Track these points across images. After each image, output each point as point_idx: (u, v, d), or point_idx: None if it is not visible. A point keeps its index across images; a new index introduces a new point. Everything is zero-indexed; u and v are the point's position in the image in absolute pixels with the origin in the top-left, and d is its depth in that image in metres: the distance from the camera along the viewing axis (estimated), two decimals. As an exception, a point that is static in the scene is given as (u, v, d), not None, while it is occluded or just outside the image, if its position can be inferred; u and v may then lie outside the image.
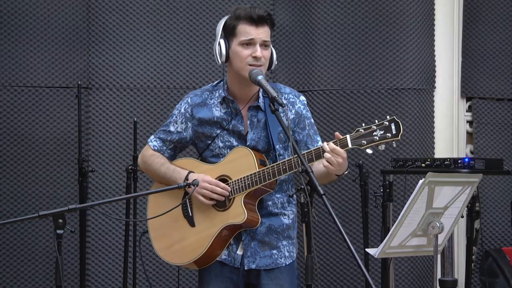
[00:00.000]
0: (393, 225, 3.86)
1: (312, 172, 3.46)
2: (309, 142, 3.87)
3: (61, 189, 5.93)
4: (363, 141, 3.60)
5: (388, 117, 3.63)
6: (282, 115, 3.77)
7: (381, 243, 3.72)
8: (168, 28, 6.06)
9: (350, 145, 3.60)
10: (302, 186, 3.55)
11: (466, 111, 6.44)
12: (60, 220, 3.34)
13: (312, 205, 3.57)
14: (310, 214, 3.62)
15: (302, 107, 3.85)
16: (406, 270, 6.10)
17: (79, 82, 5.68)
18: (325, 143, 3.62)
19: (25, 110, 5.90)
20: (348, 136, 3.62)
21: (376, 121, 3.64)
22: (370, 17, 6.13)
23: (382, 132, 3.60)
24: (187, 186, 3.62)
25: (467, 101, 6.45)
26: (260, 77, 3.65)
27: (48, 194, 5.91)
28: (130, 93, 6.01)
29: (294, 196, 3.88)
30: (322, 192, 3.37)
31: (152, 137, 3.95)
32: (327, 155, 3.58)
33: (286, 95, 3.83)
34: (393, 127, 3.60)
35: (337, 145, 3.60)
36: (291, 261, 3.85)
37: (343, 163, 3.61)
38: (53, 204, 5.90)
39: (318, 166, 3.68)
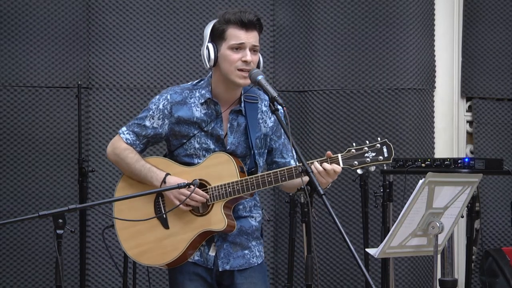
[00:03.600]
0: (393, 225, 3.86)
1: (312, 172, 3.46)
2: (284, 151, 3.89)
3: (61, 189, 5.93)
4: (354, 162, 3.62)
5: (379, 139, 3.64)
6: (261, 121, 3.81)
7: (381, 243, 3.72)
8: (168, 28, 6.06)
9: (341, 165, 3.61)
10: (302, 186, 3.55)
11: (466, 111, 6.45)
12: (60, 220, 3.34)
13: (312, 205, 3.58)
14: (310, 214, 3.63)
15: (281, 115, 3.84)
16: (406, 270, 6.10)
17: (79, 82, 5.68)
18: (316, 163, 3.61)
19: (25, 110, 5.90)
20: (339, 156, 3.62)
21: (367, 142, 3.65)
22: (370, 17, 6.13)
23: (374, 154, 3.62)
24: (187, 187, 3.62)
25: (467, 101, 6.45)
26: (260, 77, 3.64)
27: (48, 194, 5.91)
28: (130, 93, 6.01)
29: (258, 198, 3.91)
30: (322, 192, 3.37)
31: (124, 129, 3.86)
32: (317, 175, 3.58)
33: (266, 102, 3.82)
34: (385, 150, 3.62)
35: (328, 163, 3.60)
36: (261, 260, 3.89)
37: (331, 181, 3.64)
38: (53, 204, 5.90)
39: (297, 180, 3.66)
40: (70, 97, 5.94)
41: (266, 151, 3.88)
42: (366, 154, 3.61)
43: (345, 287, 6.12)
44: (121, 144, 3.85)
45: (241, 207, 3.83)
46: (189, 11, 6.09)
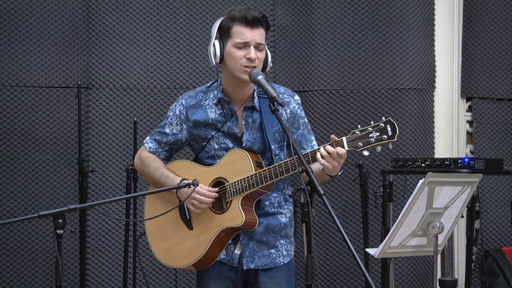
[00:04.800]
0: (393, 225, 3.86)
1: (312, 172, 3.46)
2: (303, 142, 3.87)
3: (61, 189, 5.93)
4: (359, 143, 3.60)
5: (383, 118, 3.62)
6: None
7: (381, 243, 3.72)
8: (168, 28, 6.06)
9: (346, 148, 3.60)
10: (302, 186, 3.55)
11: (466, 111, 6.45)
12: (60, 220, 3.34)
13: (312, 205, 3.57)
14: (310, 214, 3.62)
15: (296, 106, 3.84)
16: (406, 270, 6.10)
17: (79, 82, 5.68)
18: (321, 148, 3.60)
19: (25, 110, 5.91)
20: (344, 138, 3.61)
21: (372, 122, 3.63)
22: (370, 17, 6.13)
23: (378, 134, 3.59)
24: (187, 186, 3.62)
25: (467, 101, 6.45)
26: (260, 77, 3.65)
27: (48, 194, 5.91)
28: (130, 93, 6.01)
29: (289, 192, 3.89)
30: (322, 192, 3.37)
31: (147, 138, 3.94)
32: (321, 160, 3.58)
33: (280, 95, 3.80)
34: (389, 128, 3.59)
35: (334, 147, 3.59)
36: (289, 259, 3.86)
37: (339, 166, 3.62)
38: (53, 204, 5.90)
39: (313, 166, 3.66)
40: (70, 97, 5.94)
41: (285, 144, 3.86)
42: (370, 135, 3.58)
43: (345, 287, 6.12)
44: (144, 153, 3.92)
45: (267, 203, 3.82)
46: (189, 11, 6.09)
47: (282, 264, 3.84)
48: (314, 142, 3.88)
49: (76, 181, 5.68)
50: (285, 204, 3.88)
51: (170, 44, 6.06)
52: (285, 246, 3.86)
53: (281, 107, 3.58)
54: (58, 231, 3.34)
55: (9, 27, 5.89)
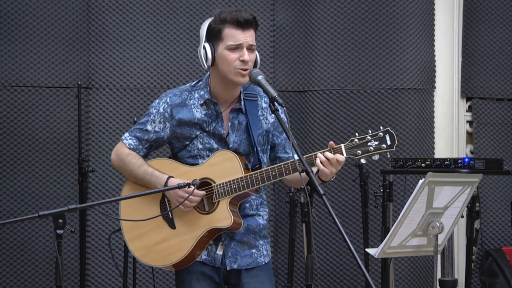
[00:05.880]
0: (393, 225, 3.86)
1: (312, 172, 3.46)
2: (287, 146, 3.90)
3: (61, 189, 5.93)
4: (358, 151, 3.64)
5: (381, 128, 3.66)
6: (261, 118, 3.82)
7: (381, 243, 3.72)
8: (168, 28, 6.07)
9: (345, 155, 3.63)
10: (302, 186, 3.55)
11: (466, 111, 6.45)
12: (60, 220, 3.34)
13: (312, 205, 3.58)
14: (310, 214, 3.63)
15: (281, 111, 3.85)
16: (406, 270, 6.10)
17: (79, 82, 5.68)
18: (319, 154, 3.62)
19: (25, 110, 5.91)
20: (342, 146, 3.64)
21: (370, 131, 3.66)
22: (370, 17, 6.13)
23: (377, 142, 3.64)
24: (187, 186, 3.62)
25: (467, 101, 6.45)
26: (260, 77, 3.65)
27: (48, 194, 5.92)
28: (130, 93, 6.01)
29: (264, 196, 3.92)
30: (322, 192, 3.37)
31: (126, 134, 3.89)
32: (320, 165, 3.59)
33: (265, 99, 3.84)
34: (387, 138, 3.64)
35: (332, 154, 3.61)
36: (268, 259, 3.90)
37: (335, 172, 3.65)
38: (53, 204, 5.90)
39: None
40: (70, 97, 5.94)
41: (269, 147, 3.89)
42: (369, 143, 3.63)
43: (345, 287, 6.12)
44: (124, 150, 3.87)
45: (247, 205, 3.83)
46: (189, 11, 6.09)
47: (263, 263, 3.87)
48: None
49: (76, 181, 5.69)
50: (261, 207, 3.91)
51: (170, 44, 6.06)
52: (265, 246, 3.89)
53: (281, 107, 3.59)
54: (58, 231, 3.34)
55: (9, 27, 5.89)
